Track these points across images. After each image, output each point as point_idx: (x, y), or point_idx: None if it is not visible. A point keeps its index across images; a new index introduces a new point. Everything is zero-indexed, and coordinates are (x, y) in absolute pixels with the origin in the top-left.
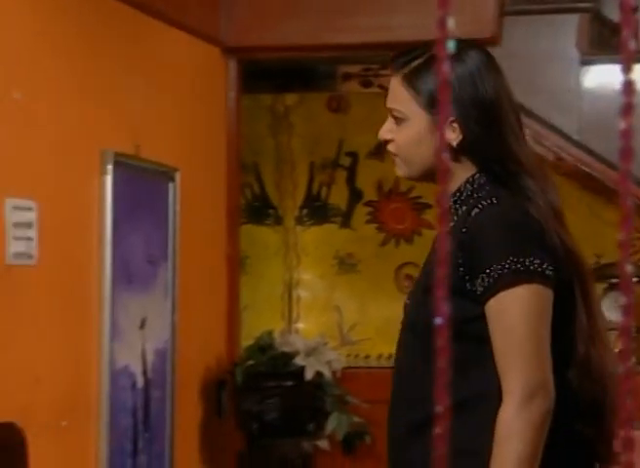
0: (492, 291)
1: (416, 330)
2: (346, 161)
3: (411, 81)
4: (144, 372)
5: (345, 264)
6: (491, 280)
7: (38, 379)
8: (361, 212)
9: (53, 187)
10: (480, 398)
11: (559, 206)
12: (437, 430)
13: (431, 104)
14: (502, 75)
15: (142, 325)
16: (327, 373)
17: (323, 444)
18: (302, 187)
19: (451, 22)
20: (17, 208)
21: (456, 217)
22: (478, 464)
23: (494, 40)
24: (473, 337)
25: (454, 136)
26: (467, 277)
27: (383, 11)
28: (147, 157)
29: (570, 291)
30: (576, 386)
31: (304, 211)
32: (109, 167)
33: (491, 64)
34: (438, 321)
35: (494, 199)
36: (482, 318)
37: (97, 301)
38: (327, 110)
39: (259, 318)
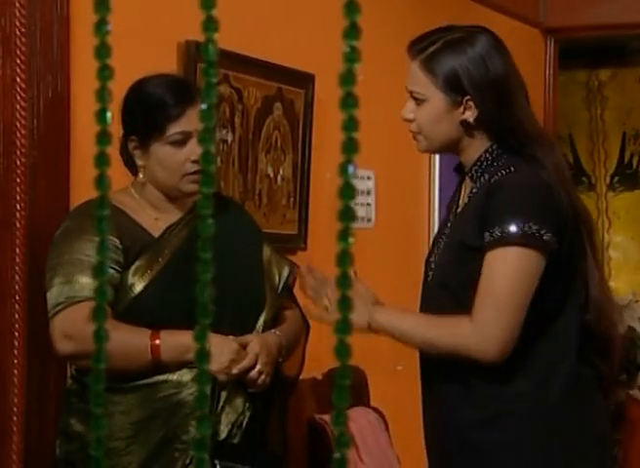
0: (490, 246)
1: (448, 285)
2: None
3: (428, 66)
4: None
5: None
6: (491, 238)
7: None
8: None
9: (388, 158)
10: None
11: (564, 169)
12: None
13: (447, 86)
14: (510, 55)
15: None
16: (639, 328)
17: (635, 393)
18: (614, 156)
19: None
20: (358, 177)
21: (478, 184)
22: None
23: None
24: None
25: (470, 114)
26: (480, 234)
27: None
28: None
29: (580, 244)
30: (594, 327)
31: (616, 178)
32: None
33: (499, 46)
34: None
35: (511, 167)
36: None
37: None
38: (639, 84)
39: None
